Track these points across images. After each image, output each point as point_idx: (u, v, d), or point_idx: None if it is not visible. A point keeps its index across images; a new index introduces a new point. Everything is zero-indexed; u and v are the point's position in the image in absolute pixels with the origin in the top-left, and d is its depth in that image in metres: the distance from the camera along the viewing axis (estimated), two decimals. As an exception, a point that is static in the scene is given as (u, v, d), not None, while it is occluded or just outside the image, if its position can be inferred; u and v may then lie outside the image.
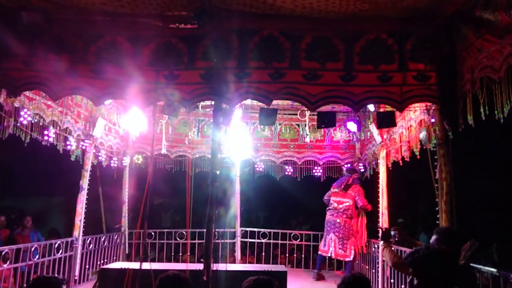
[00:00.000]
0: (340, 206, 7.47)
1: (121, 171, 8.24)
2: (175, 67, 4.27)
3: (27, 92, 4.88)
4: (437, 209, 4.54)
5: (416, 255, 2.49)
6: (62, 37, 4.28)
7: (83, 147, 6.57)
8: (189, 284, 3.09)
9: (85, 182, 6.69)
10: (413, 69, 4.17)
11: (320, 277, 7.39)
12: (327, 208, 7.66)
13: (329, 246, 7.38)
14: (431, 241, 3.40)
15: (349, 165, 8.23)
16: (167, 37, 4.30)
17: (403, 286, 5.57)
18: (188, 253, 8.23)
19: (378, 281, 6.57)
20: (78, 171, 6.79)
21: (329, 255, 7.42)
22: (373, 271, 6.94)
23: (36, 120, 5.33)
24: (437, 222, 4.53)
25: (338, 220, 7.42)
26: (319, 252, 7.55)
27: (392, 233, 4.01)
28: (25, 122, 5.12)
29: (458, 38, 3.95)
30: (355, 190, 7.51)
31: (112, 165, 7.72)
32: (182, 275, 3.12)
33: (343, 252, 7.30)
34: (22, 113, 5.05)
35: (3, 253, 5.01)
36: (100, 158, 7.23)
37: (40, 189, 11.25)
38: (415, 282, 2.42)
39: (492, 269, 3.97)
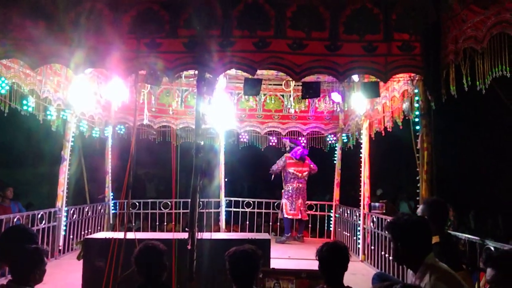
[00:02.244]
0: (301, 174, 8.17)
1: (104, 142, 8.15)
2: (156, 35, 4.17)
3: (4, 60, 4.72)
4: (417, 178, 4.64)
5: (396, 221, 2.57)
6: (39, 3, 4.12)
7: (64, 117, 6.44)
8: (162, 252, 3.15)
9: (66, 153, 6.61)
10: (398, 39, 4.16)
11: (299, 239, 8.04)
12: (288, 178, 8.18)
13: (298, 210, 8.02)
14: (417, 211, 3.47)
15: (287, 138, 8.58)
16: (148, 3, 4.18)
17: (383, 253, 5.75)
18: (173, 223, 8.30)
19: (358, 248, 6.76)
20: (60, 141, 6.70)
21: (299, 217, 8.08)
22: (354, 238, 7.13)
23: (15, 89, 5.18)
24: (418, 191, 4.64)
25: (301, 186, 8.16)
26: (289, 216, 8.04)
27: (378, 205, 4.09)
28: (3, 91, 4.97)
29: (443, 7, 3.94)
30: (308, 159, 8.29)
31: (94, 135, 7.62)
32: (157, 245, 3.16)
33: (304, 213, 8.19)
34: (-1, 82, 4.90)
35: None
36: (81, 128, 7.12)
37: (22, 160, 11.08)
38: (392, 245, 2.51)
39: (469, 236, 4.11)
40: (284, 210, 8.04)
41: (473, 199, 9.97)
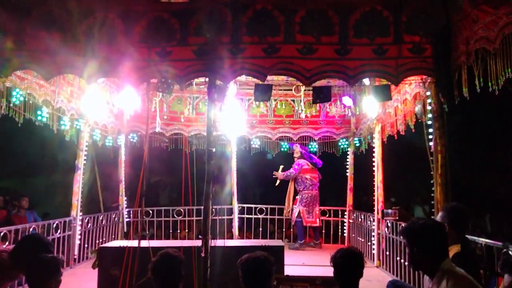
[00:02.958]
0: (316, 180, 8.16)
1: (117, 150, 8.22)
2: (167, 43, 4.21)
3: (18, 71, 4.80)
4: (432, 181, 4.58)
5: (412, 226, 2.53)
6: (52, 15, 4.18)
7: (77, 127, 6.52)
8: (181, 261, 3.15)
9: (80, 162, 6.67)
10: (408, 41, 4.13)
11: (317, 245, 7.95)
12: (305, 184, 8.07)
13: (316, 217, 8.01)
14: (437, 218, 3.34)
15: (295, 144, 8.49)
16: (158, 12, 4.22)
17: (398, 258, 5.68)
18: (186, 230, 8.32)
19: (373, 253, 6.69)
20: (74, 150, 6.77)
21: (317, 224, 8.06)
22: (368, 243, 7.05)
23: (29, 100, 5.26)
24: (432, 195, 4.58)
25: (316, 193, 8.13)
26: (308, 224, 8.00)
27: (391, 211, 4.03)
28: (17, 102, 5.06)
29: (453, 8, 3.90)
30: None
31: (107, 144, 7.69)
32: (175, 253, 3.16)
33: (319, 220, 8.18)
34: (14, 93, 4.99)
35: (1, 234, 5.03)
36: (94, 137, 7.19)
37: (36, 169, 11.22)
38: (407, 251, 2.47)
39: (486, 240, 4.04)
40: (301, 218, 7.92)
41: (489, 201, 9.81)
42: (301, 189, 8.11)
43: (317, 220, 8.01)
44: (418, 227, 2.48)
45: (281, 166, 8.35)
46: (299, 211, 7.98)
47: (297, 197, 8.15)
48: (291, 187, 8.30)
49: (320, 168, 8.27)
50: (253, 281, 2.95)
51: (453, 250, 2.99)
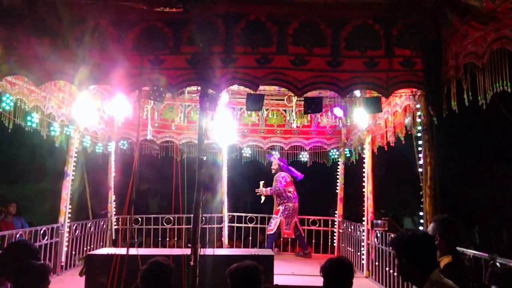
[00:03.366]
0: (295, 193, 8.08)
1: (107, 157, 8.17)
2: (160, 52, 4.23)
3: (9, 77, 4.77)
4: (421, 193, 4.62)
5: (401, 237, 2.54)
6: (44, 21, 4.18)
7: (67, 133, 6.48)
8: (170, 270, 3.13)
9: (70, 168, 6.62)
10: (399, 55, 4.20)
11: (307, 255, 7.90)
12: (288, 196, 7.98)
13: (292, 229, 7.92)
14: (428, 229, 3.35)
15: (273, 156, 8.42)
16: (152, 21, 4.24)
17: (387, 269, 5.69)
18: (176, 238, 8.26)
19: (363, 263, 6.70)
20: (63, 157, 6.72)
21: (293, 236, 8.03)
22: (358, 254, 7.07)
23: (19, 106, 5.23)
24: (421, 206, 4.61)
25: (297, 205, 8.04)
26: (285, 236, 7.98)
27: (380, 222, 4.04)
28: (7, 107, 5.02)
29: (443, 24, 3.98)
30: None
31: (97, 151, 7.65)
32: (165, 261, 3.15)
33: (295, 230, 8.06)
34: (4, 98, 4.95)
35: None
36: (85, 144, 7.15)
37: (25, 175, 11.10)
38: (396, 262, 2.48)
39: (474, 251, 4.08)
40: (280, 229, 7.84)
41: (477, 214, 9.90)
42: (284, 201, 8.02)
43: (293, 232, 7.93)
44: (407, 238, 2.50)
45: (262, 182, 8.30)
46: (279, 221, 7.87)
47: (280, 207, 8.01)
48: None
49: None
50: None
51: (444, 261, 3.02)
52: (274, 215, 8.06)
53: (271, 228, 7.91)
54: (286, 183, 8.03)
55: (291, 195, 8.03)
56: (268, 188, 8.15)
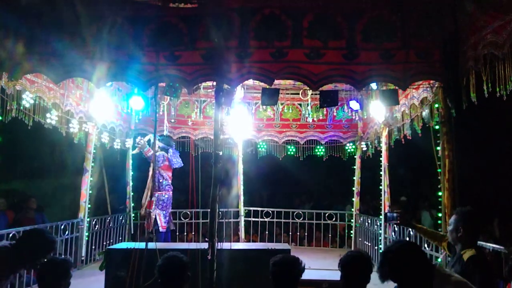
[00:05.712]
0: (170, 180, 7.49)
1: (125, 153, 8.27)
2: (175, 48, 4.24)
3: (28, 75, 4.86)
4: (439, 186, 4.56)
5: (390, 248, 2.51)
6: (62, 18, 4.23)
7: (86, 129, 6.58)
8: (187, 264, 3.18)
9: (88, 164, 6.73)
10: (416, 46, 4.13)
11: None
12: (166, 184, 7.35)
13: (171, 222, 7.45)
14: (450, 221, 3.30)
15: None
16: (167, 17, 4.26)
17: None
18: (193, 233, 8.34)
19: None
20: (82, 153, 6.83)
21: (172, 228, 7.53)
22: (375, 248, 7.03)
23: (38, 103, 5.33)
24: (440, 199, 4.56)
25: (171, 194, 7.48)
26: (164, 230, 7.10)
27: (393, 215, 4.01)
28: (27, 105, 5.12)
29: (461, 13, 3.90)
30: None
31: (115, 147, 7.75)
32: (181, 257, 3.19)
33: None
34: (24, 96, 5.05)
35: (10, 235, 5.08)
36: (103, 140, 7.25)
37: (45, 172, 11.32)
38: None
39: (494, 245, 4.02)
40: (159, 223, 7.00)
41: (497, 206, 9.72)
42: (159, 189, 7.21)
43: (172, 224, 7.44)
44: (393, 251, 2.45)
45: (149, 135, 7.44)
46: (156, 216, 6.98)
47: (152, 199, 6.93)
48: (149, 183, 7.14)
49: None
50: (285, 278, 3.07)
51: (468, 253, 2.97)
52: (148, 210, 6.67)
53: (150, 224, 6.38)
54: (163, 165, 7.36)
55: (167, 183, 7.41)
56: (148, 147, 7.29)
